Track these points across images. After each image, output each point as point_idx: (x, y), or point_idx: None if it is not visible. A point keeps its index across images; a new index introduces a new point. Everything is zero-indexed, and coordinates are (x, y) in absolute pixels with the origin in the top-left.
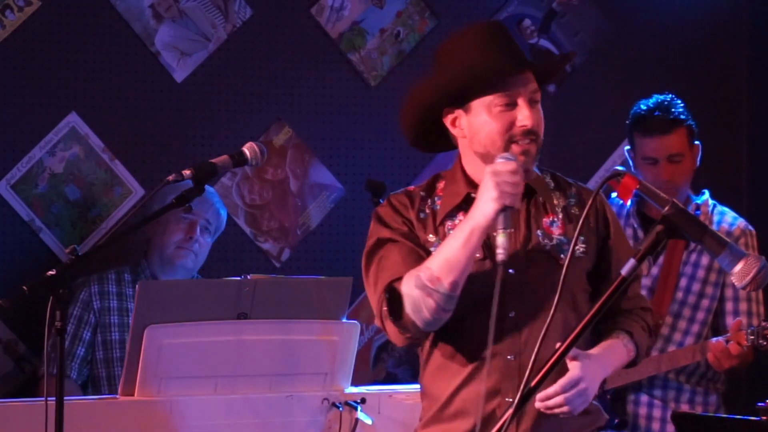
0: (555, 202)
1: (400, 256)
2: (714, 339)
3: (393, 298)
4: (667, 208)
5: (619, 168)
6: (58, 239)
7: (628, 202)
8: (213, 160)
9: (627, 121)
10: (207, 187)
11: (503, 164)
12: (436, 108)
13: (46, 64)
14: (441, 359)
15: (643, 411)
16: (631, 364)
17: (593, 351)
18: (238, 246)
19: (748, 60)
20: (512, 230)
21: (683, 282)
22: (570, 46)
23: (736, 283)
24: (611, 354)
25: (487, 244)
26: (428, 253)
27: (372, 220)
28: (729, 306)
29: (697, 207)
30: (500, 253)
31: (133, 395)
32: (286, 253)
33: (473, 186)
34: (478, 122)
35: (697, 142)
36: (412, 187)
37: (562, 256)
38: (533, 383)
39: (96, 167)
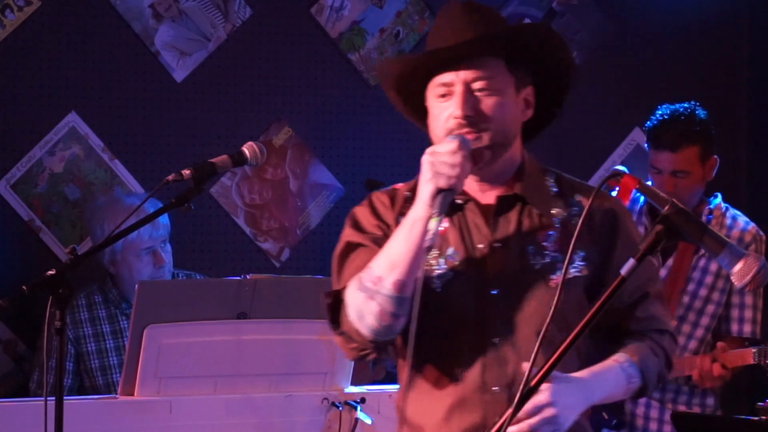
0: (554, 212)
1: (363, 262)
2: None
3: (335, 305)
4: (666, 208)
5: (619, 168)
6: (58, 239)
7: (642, 200)
8: (212, 160)
9: (648, 122)
10: (137, 202)
11: (442, 144)
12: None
13: (46, 64)
14: (424, 384)
15: (640, 411)
16: (639, 394)
17: (579, 373)
18: (238, 246)
19: (748, 60)
20: (444, 216)
21: (691, 286)
22: (570, 45)
23: (735, 283)
24: (602, 379)
25: (470, 254)
26: None
27: (347, 220)
28: (735, 313)
29: (710, 211)
30: (427, 240)
31: (133, 395)
32: (286, 253)
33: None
34: (430, 114)
35: (714, 156)
36: (400, 185)
37: (553, 276)
38: (533, 383)
39: (96, 167)
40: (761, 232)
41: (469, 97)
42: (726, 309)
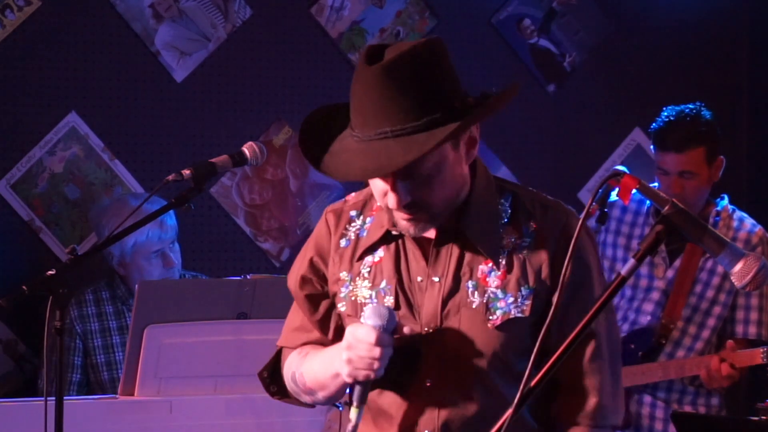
0: (505, 243)
1: (302, 327)
2: (712, 355)
3: (274, 372)
4: (666, 208)
5: (619, 168)
6: (58, 239)
7: (648, 201)
8: (212, 160)
9: (653, 123)
10: (146, 205)
11: (362, 333)
12: None
13: (46, 64)
14: (368, 420)
15: (646, 411)
16: None
17: None
18: (238, 246)
19: (748, 59)
20: (364, 405)
21: (698, 288)
22: (570, 45)
23: (735, 283)
24: None
25: (404, 288)
26: (332, 307)
27: (315, 230)
28: (740, 315)
29: (717, 213)
30: (347, 430)
31: (133, 395)
32: (285, 253)
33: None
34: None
35: (720, 157)
36: (350, 197)
37: (492, 318)
38: (533, 383)
39: (96, 167)
40: None
41: (403, 187)
42: (731, 311)
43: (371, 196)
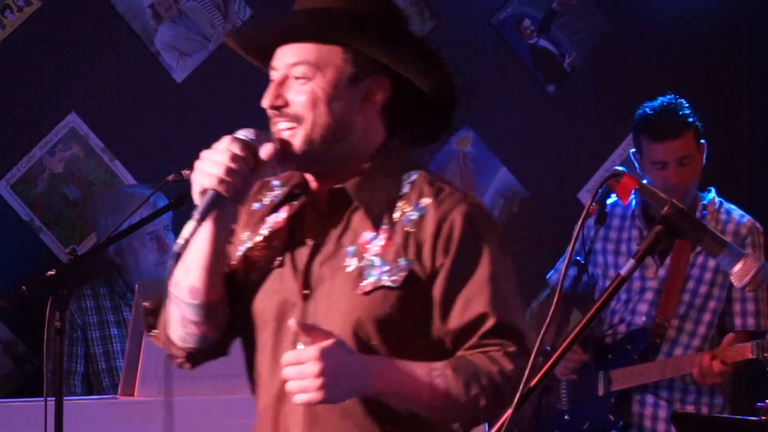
0: (393, 215)
1: None
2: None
3: (156, 309)
4: (666, 209)
5: (619, 168)
6: (58, 239)
7: (633, 203)
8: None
9: (633, 125)
10: (140, 191)
11: (222, 141)
12: None
13: (46, 64)
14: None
15: (648, 411)
16: (447, 413)
17: (375, 356)
18: None
19: (748, 60)
20: (212, 218)
21: (690, 284)
22: (570, 46)
23: (734, 283)
24: (399, 370)
25: (294, 249)
26: (231, 258)
27: None
28: (737, 307)
29: (704, 207)
30: (176, 244)
31: (133, 395)
32: None
33: (304, 179)
34: None
35: (702, 141)
36: (284, 173)
37: (363, 283)
38: (533, 383)
39: (96, 167)
40: (758, 225)
41: (283, 85)
42: (728, 304)
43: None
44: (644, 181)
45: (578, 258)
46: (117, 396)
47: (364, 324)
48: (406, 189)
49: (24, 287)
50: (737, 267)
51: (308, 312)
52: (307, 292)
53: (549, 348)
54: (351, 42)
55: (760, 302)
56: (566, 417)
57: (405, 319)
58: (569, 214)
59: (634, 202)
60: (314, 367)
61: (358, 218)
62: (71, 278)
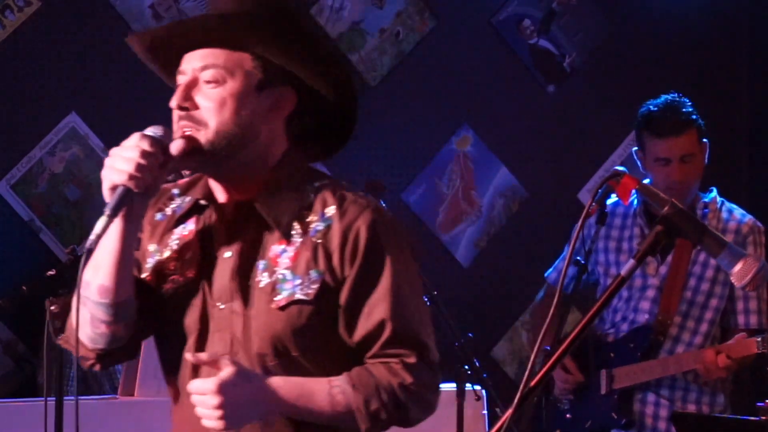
0: (301, 226)
1: None
2: (707, 348)
3: (63, 312)
4: (666, 209)
5: (619, 168)
6: (58, 239)
7: (635, 202)
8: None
9: (636, 122)
10: None
11: (130, 138)
12: None
13: (46, 65)
14: (170, 397)
15: (650, 410)
16: (350, 426)
17: (275, 379)
18: None
19: (748, 60)
20: (123, 214)
21: (692, 282)
22: (570, 46)
23: (735, 283)
24: (300, 392)
25: (205, 261)
26: (140, 270)
27: None
28: (740, 305)
29: (706, 205)
30: (87, 240)
31: (133, 395)
32: None
33: (209, 189)
34: None
35: (704, 140)
36: (182, 180)
37: (278, 297)
38: (533, 383)
39: (96, 167)
40: (759, 223)
41: (191, 87)
42: (730, 302)
43: (199, 179)
44: (645, 181)
45: (578, 258)
46: (117, 396)
47: (282, 338)
48: (310, 199)
49: (24, 287)
50: (737, 267)
51: (225, 326)
52: (222, 306)
53: (549, 348)
54: (259, 49)
55: (762, 301)
56: (568, 416)
57: (322, 330)
58: (569, 214)
59: (635, 201)
60: (214, 399)
61: (267, 231)
62: (71, 278)
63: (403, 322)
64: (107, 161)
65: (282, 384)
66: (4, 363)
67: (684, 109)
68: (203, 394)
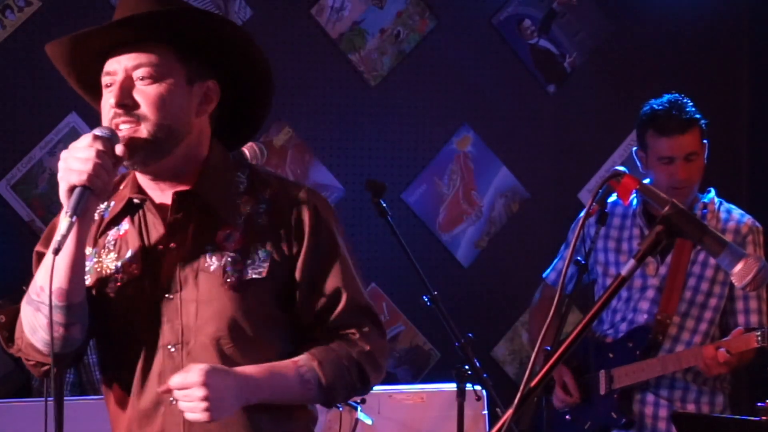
0: (242, 209)
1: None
2: (705, 345)
3: (11, 323)
4: (666, 209)
5: (619, 168)
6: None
7: (635, 202)
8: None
9: (639, 122)
10: None
11: (80, 139)
12: None
13: (46, 65)
14: (112, 397)
15: (649, 410)
16: (321, 401)
17: (248, 368)
18: None
19: (748, 60)
20: (80, 216)
21: (692, 281)
22: (570, 46)
23: (735, 283)
24: (271, 379)
25: (147, 256)
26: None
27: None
28: (739, 304)
29: (705, 206)
30: (54, 242)
31: None
32: None
33: (141, 189)
34: (102, 105)
35: (705, 141)
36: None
37: (230, 279)
38: (533, 383)
39: None
40: (757, 224)
41: (128, 86)
42: (730, 302)
43: (119, 181)
44: (645, 181)
45: (578, 258)
46: None
47: (237, 318)
48: (245, 184)
49: (24, 287)
50: (738, 267)
51: (176, 315)
52: (171, 296)
53: (549, 348)
54: (181, 44)
55: (762, 300)
56: (567, 417)
57: (273, 308)
58: (569, 214)
59: (635, 201)
60: (199, 392)
61: (208, 218)
62: None
63: (354, 291)
64: (61, 164)
65: (255, 371)
66: (4, 363)
67: (687, 108)
68: (187, 387)
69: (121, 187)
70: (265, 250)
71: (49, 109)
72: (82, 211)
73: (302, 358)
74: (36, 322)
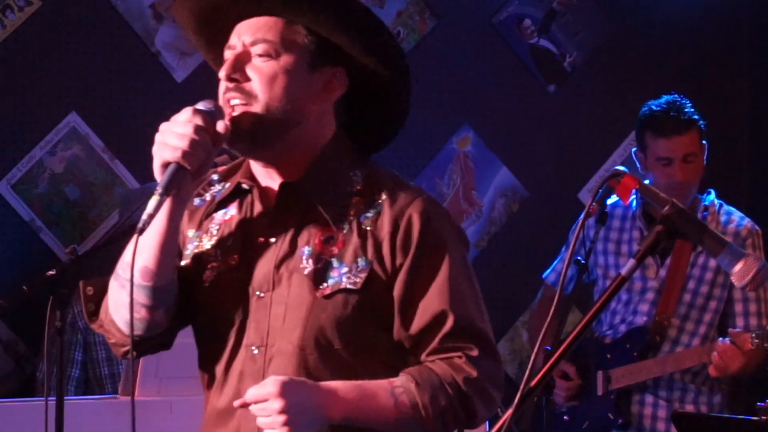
0: (350, 211)
1: None
2: (720, 340)
3: (98, 296)
4: (666, 209)
5: (620, 168)
6: (58, 239)
7: (634, 204)
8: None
9: (638, 123)
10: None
11: (181, 113)
12: None
13: (46, 64)
14: (206, 386)
15: (648, 411)
16: (419, 428)
17: (332, 383)
18: None
19: (748, 60)
20: (173, 193)
21: (691, 284)
22: (570, 46)
23: (735, 283)
24: (361, 398)
25: (247, 248)
26: (180, 257)
27: None
28: (738, 307)
29: (705, 208)
30: (141, 220)
31: (133, 395)
32: None
33: (252, 174)
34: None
35: (704, 142)
36: (222, 168)
37: (324, 285)
38: (533, 383)
39: (96, 167)
40: (756, 227)
41: (243, 60)
42: (729, 305)
43: (239, 165)
44: (645, 181)
45: (579, 258)
46: (117, 396)
47: (326, 328)
48: (358, 185)
49: (24, 287)
50: (738, 267)
51: (264, 315)
52: (262, 294)
53: (549, 348)
54: (316, 25)
55: (761, 303)
56: (565, 417)
57: (367, 321)
58: (569, 214)
59: (634, 203)
60: (276, 404)
61: (312, 216)
62: (71, 278)
63: (463, 312)
64: (158, 137)
65: (340, 386)
66: (4, 363)
67: (686, 109)
68: (264, 400)
69: (245, 166)
70: (366, 259)
71: (49, 109)
72: (173, 190)
73: (399, 378)
74: (119, 299)
